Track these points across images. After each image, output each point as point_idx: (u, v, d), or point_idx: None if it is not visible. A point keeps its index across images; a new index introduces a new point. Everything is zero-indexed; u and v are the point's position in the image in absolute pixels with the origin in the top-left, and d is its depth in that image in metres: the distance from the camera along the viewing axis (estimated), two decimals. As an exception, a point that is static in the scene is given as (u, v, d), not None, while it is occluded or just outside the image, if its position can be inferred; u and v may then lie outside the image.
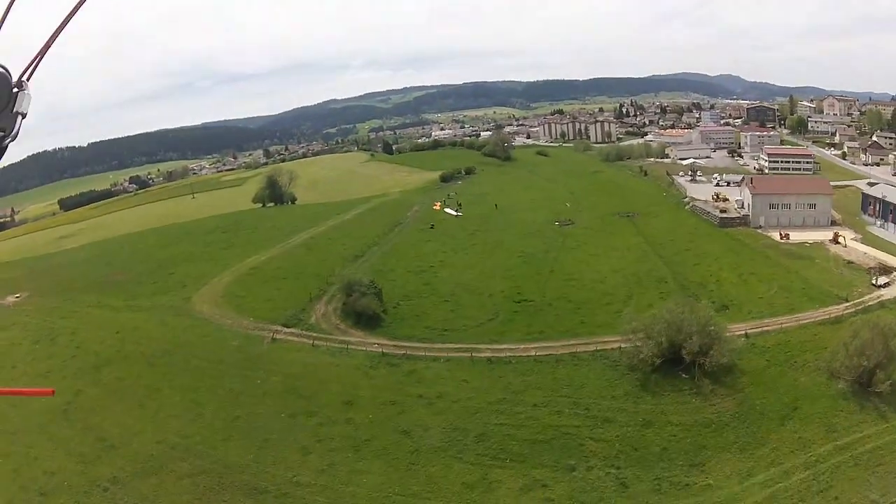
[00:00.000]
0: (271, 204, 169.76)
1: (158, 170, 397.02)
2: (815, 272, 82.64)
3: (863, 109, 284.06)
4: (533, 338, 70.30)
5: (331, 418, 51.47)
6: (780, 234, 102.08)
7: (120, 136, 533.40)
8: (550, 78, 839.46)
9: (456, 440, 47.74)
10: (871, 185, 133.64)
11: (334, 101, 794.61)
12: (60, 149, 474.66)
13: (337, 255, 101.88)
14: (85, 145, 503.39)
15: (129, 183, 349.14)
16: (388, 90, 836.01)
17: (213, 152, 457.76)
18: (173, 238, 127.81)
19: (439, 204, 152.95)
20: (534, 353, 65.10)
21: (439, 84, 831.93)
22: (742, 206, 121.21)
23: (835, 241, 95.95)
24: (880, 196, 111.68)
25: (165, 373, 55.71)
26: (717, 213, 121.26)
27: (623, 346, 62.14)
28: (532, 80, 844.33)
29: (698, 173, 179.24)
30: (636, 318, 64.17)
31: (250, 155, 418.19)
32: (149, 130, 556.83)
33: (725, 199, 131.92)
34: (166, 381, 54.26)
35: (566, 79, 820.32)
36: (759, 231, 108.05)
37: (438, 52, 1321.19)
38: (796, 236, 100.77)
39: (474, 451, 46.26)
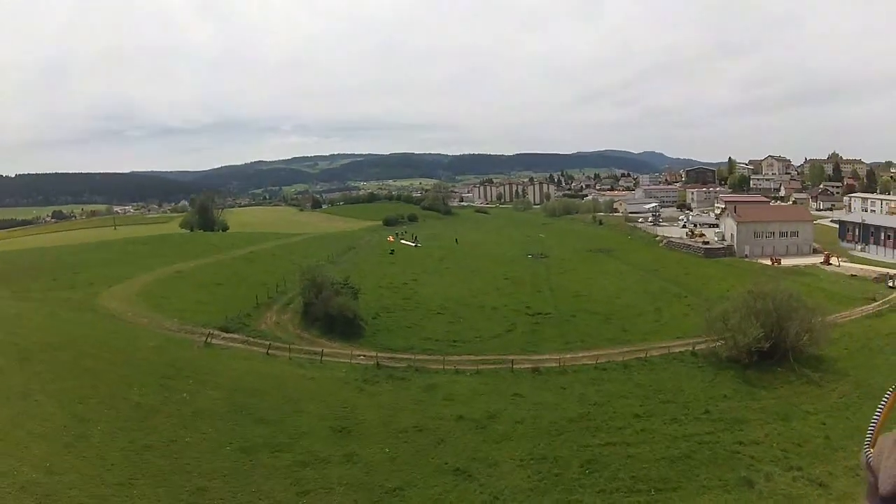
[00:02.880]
0: (201, 230, 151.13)
1: (83, 209, 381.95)
2: (827, 284, 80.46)
3: (799, 169, 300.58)
4: (576, 347, 53.95)
5: (316, 455, 30.22)
6: (772, 260, 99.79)
7: (48, 172, 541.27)
8: (477, 152, 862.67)
9: (549, 475, 27.83)
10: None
11: (262, 162, 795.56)
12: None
13: (284, 269, 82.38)
14: (13, 176, 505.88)
15: (51, 217, 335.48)
16: (315, 156, 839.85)
17: (138, 200, 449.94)
18: (89, 248, 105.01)
19: (392, 237, 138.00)
20: (593, 362, 47.88)
21: (367, 153, 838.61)
22: (723, 238, 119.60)
23: (826, 262, 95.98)
24: (859, 221, 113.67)
25: (42, 373, 32.28)
26: (700, 245, 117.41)
27: (702, 345, 52.70)
28: (459, 153, 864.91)
29: (660, 218, 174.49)
30: (714, 309, 53.22)
31: (176, 205, 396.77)
32: (77, 171, 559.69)
33: (701, 234, 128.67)
34: (41, 384, 31.06)
35: (492, 153, 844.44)
36: (749, 259, 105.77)
37: (367, 121, 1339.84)
38: (787, 262, 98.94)
39: (592, 487, 26.61)
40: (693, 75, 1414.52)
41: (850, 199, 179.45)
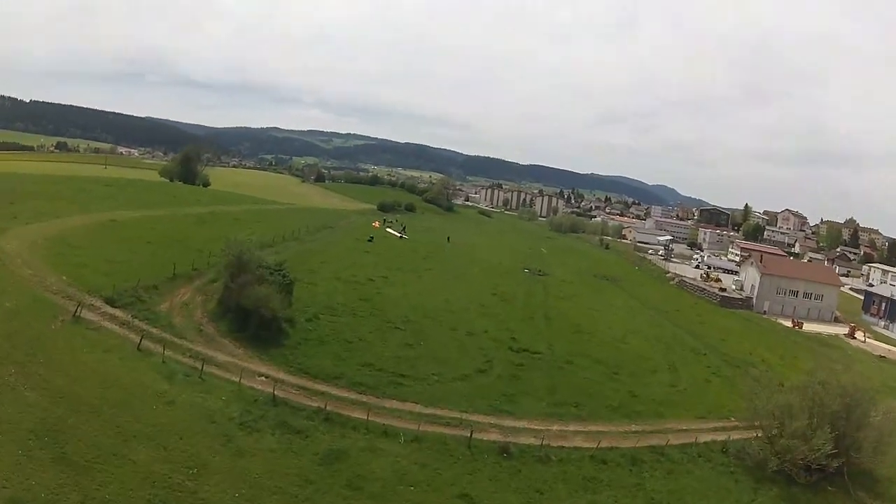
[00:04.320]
0: (180, 182, 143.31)
1: (88, 145, 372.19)
2: (856, 363, 65.97)
3: (814, 229, 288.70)
4: (568, 413, 39.04)
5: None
6: (793, 322, 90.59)
7: (63, 103, 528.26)
8: (491, 156, 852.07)
9: None
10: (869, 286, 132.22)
11: (277, 129, 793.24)
12: (2, 96, 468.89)
13: (238, 237, 68.33)
14: (27, 101, 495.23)
15: (54, 147, 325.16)
16: (331, 132, 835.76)
17: (148, 145, 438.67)
18: (51, 180, 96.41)
19: (378, 223, 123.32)
20: (590, 446, 33.56)
21: (382, 138, 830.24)
22: (742, 287, 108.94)
23: (851, 335, 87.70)
24: (888, 295, 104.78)
25: None
26: (716, 291, 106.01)
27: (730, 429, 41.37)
28: (473, 154, 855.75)
29: (673, 254, 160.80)
30: (763, 394, 39.32)
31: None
32: (91, 107, 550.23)
33: (718, 279, 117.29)
34: None
35: (506, 160, 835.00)
36: (766, 316, 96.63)
37: (386, 108, 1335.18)
38: (809, 327, 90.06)
39: None
40: (715, 116, 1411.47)
41: (871, 269, 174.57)
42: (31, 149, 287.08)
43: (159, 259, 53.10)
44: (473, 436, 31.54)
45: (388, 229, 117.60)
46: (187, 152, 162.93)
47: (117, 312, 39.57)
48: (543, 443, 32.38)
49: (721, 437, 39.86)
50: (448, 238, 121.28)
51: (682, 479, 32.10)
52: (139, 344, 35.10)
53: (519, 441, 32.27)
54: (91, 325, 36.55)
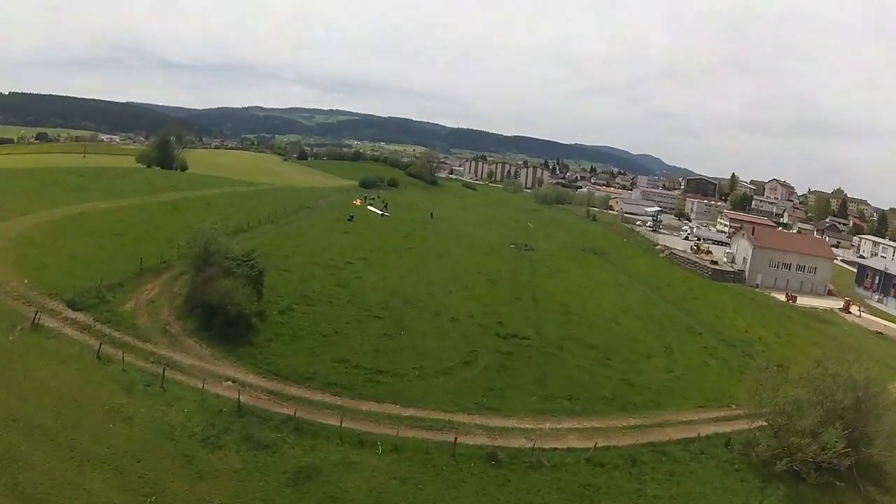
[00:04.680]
0: (157, 167, 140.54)
1: (69, 134, 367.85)
2: (852, 340, 68.09)
3: (801, 199, 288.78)
4: (560, 407, 36.20)
5: None
6: (787, 296, 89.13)
7: (42, 92, 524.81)
8: (475, 128, 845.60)
9: None
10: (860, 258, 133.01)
11: (259, 108, 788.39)
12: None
13: (211, 224, 64.36)
14: (5, 94, 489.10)
15: (35, 139, 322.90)
16: (313, 108, 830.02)
17: (129, 130, 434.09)
18: (21, 173, 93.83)
19: (360, 200, 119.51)
20: (584, 447, 31.02)
21: (365, 112, 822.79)
22: (734, 260, 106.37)
23: (846, 310, 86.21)
24: (882, 269, 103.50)
25: None
26: (707, 264, 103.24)
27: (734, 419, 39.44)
28: (456, 126, 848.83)
29: (661, 225, 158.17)
30: (768, 384, 36.52)
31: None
32: (71, 95, 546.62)
33: (708, 251, 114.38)
34: None
35: (490, 131, 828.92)
36: (758, 290, 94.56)
37: (370, 81, 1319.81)
38: (803, 301, 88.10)
39: None
40: (700, 85, 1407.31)
41: (861, 241, 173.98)
42: (10, 141, 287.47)
43: (127, 253, 49.99)
44: (458, 441, 28.72)
45: (370, 207, 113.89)
46: (163, 136, 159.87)
47: (79, 316, 36.81)
48: (535, 446, 29.67)
49: (723, 428, 37.74)
50: (431, 214, 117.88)
51: (685, 482, 29.55)
52: (98, 351, 32.12)
53: (508, 444, 29.49)
54: (50, 334, 33.89)
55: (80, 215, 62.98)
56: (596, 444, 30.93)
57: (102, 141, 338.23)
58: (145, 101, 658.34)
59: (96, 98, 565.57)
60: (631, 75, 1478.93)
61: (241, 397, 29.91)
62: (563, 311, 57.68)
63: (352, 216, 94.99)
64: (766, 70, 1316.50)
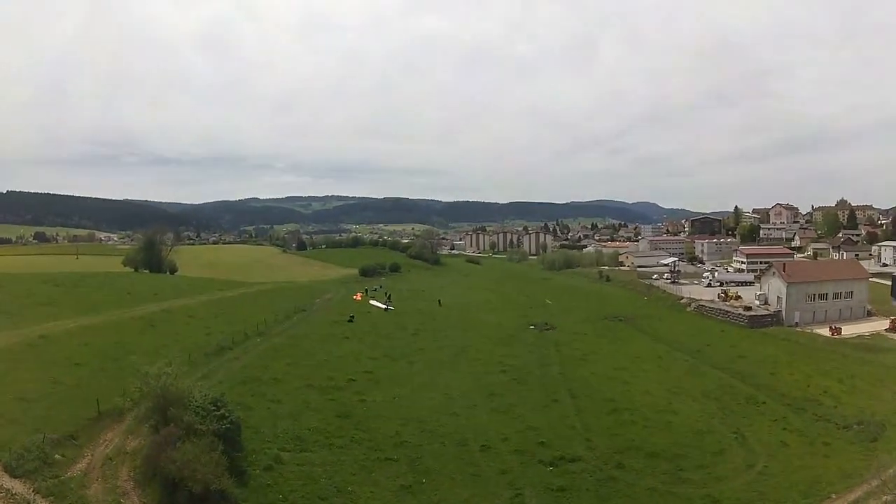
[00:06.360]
0: (146, 270, 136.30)
1: (68, 233, 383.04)
2: None
3: (807, 217, 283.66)
4: None
5: None
6: (831, 330, 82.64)
7: (40, 191, 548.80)
8: (470, 199, 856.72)
9: None
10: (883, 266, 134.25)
11: (256, 199, 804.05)
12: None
13: (192, 342, 60.86)
14: (3, 192, 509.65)
15: (33, 238, 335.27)
16: (309, 196, 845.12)
17: (127, 228, 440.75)
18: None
19: (361, 294, 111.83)
20: None
21: (360, 196, 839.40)
22: (766, 301, 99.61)
23: (893, 329, 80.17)
24: None
25: None
26: (741, 311, 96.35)
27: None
28: (452, 200, 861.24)
29: (679, 274, 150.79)
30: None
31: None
32: (69, 194, 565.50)
33: (738, 297, 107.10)
34: None
35: (486, 201, 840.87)
36: (799, 329, 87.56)
37: (361, 164, 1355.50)
38: (847, 330, 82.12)
39: None
40: (684, 124, 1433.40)
41: (881, 249, 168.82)
42: (9, 241, 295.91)
43: (85, 390, 42.07)
44: None
45: (372, 301, 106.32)
46: (150, 237, 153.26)
47: (16, 486, 28.81)
48: None
49: None
50: (439, 302, 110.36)
51: None
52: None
53: None
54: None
55: (40, 339, 55.86)
56: None
57: (100, 240, 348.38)
58: (143, 198, 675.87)
59: (94, 196, 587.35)
60: (616, 126, 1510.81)
61: None
62: (609, 410, 48.81)
63: (352, 316, 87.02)
64: (747, 96, 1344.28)
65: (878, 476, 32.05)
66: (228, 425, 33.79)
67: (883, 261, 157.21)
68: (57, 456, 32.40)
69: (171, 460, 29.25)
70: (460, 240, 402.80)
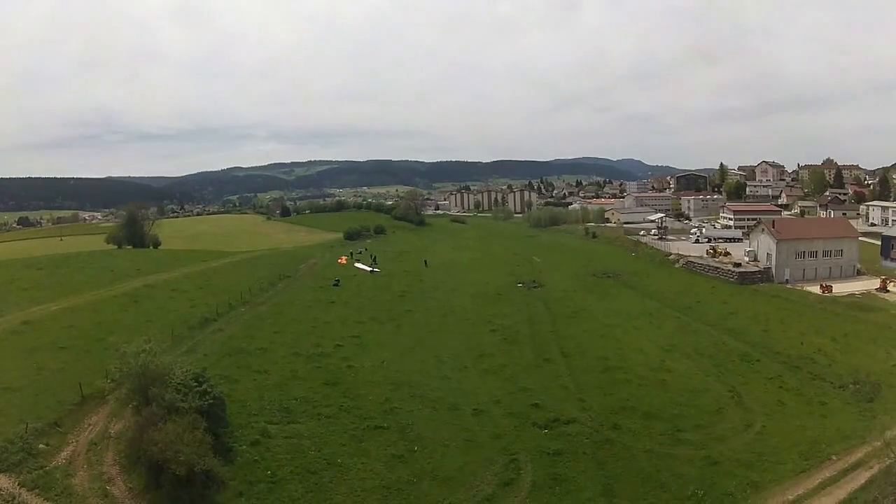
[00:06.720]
0: (129, 246, 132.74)
1: (52, 215, 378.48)
2: None
3: (793, 175, 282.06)
4: None
5: None
6: (822, 287, 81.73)
7: (21, 176, 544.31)
8: (453, 159, 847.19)
9: None
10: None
11: (238, 168, 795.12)
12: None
13: (175, 316, 59.15)
14: None
15: (17, 224, 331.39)
16: (291, 162, 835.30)
17: (111, 206, 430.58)
18: None
19: (346, 258, 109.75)
20: None
21: (343, 160, 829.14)
22: (755, 258, 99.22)
23: (883, 289, 79.85)
24: None
25: None
26: (731, 268, 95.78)
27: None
28: (435, 160, 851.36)
29: (666, 231, 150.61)
30: None
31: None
32: (51, 176, 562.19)
33: (727, 253, 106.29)
34: None
35: (469, 160, 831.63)
36: (790, 286, 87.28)
37: (343, 128, 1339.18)
38: (838, 288, 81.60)
39: None
40: (669, 82, 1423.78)
41: (869, 209, 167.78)
42: None
43: (70, 374, 40.58)
44: None
45: (357, 264, 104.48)
46: (131, 212, 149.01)
47: (1, 480, 27.79)
48: None
49: (837, 495, 29.83)
50: (425, 262, 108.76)
51: None
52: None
53: None
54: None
55: (24, 326, 53.96)
56: None
57: (85, 220, 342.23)
58: (125, 175, 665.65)
59: (76, 177, 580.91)
60: (598, 84, 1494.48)
61: None
62: (602, 369, 47.97)
63: (338, 280, 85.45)
64: (731, 55, 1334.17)
65: (881, 438, 31.18)
66: (211, 401, 32.46)
67: (871, 220, 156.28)
68: (41, 446, 31.51)
69: (153, 442, 27.94)
70: (445, 200, 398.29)
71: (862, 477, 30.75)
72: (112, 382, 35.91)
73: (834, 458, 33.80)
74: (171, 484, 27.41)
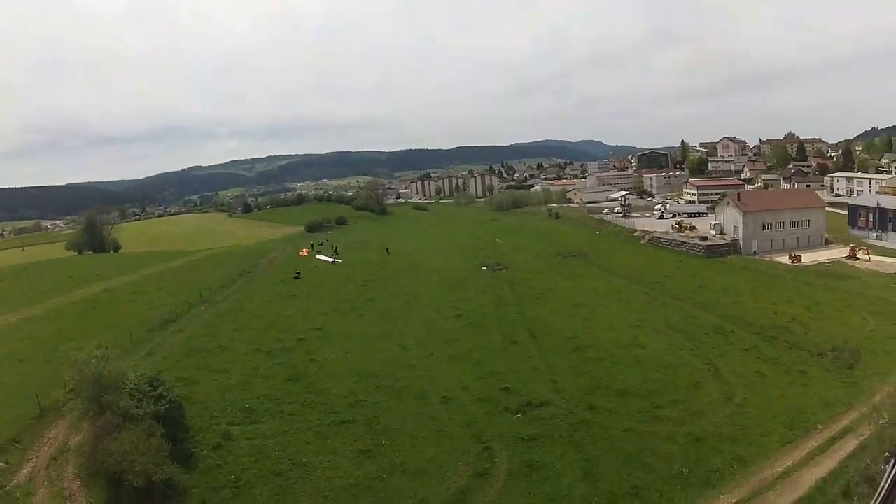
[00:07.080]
0: (90, 252, 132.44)
1: (14, 226, 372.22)
2: (879, 291, 62.13)
3: (756, 149, 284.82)
4: None
5: None
6: (791, 257, 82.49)
7: None
8: (413, 148, 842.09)
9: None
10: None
11: (198, 167, 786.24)
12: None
13: (135, 319, 58.08)
14: None
15: None
16: (252, 158, 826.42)
17: (73, 213, 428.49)
18: None
19: (307, 250, 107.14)
20: None
21: (303, 153, 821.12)
22: (722, 231, 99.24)
23: (852, 257, 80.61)
24: (874, 205, 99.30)
25: None
26: (697, 241, 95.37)
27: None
28: (395, 149, 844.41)
29: (630, 208, 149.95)
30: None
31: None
32: (10, 186, 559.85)
33: (693, 227, 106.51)
34: None
35: (429, 148, 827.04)
36: (758, 258, 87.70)
37: (302, 122, 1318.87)
38: (807, 258, 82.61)
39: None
40: (627, 65, 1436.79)
41: (833, 180, 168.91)
42: None
43: (28, 387, 38.46)
44: None
45: (319, 255, 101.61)
46: (90, 218, 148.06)
47: None
48: None
49: (827, 465, 28.73)
50: (387, 250, 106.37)
51: None
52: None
53: None
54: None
55: None
56: None
57: (47, 228, 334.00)
58: (85, 180, 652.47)
59: (37, 185, 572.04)
60: (557, 68, 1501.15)
61: None
62: (573, 348, 46.37)
63: (298, 273, 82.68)
64: (688, 36, 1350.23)
65: (869, 402, 30.18)
66: (168, 405, 30.56)
67: (836, 191, 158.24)
68: (1, 464, 29.49)
69: (109, 453, 26.09)
70: (406, 188, 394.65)
71: (850, 444, 29.76)
72: (69, 393, 33.80)
73: (819, 427, 33.09)
74: (130, 496, 25.19)
